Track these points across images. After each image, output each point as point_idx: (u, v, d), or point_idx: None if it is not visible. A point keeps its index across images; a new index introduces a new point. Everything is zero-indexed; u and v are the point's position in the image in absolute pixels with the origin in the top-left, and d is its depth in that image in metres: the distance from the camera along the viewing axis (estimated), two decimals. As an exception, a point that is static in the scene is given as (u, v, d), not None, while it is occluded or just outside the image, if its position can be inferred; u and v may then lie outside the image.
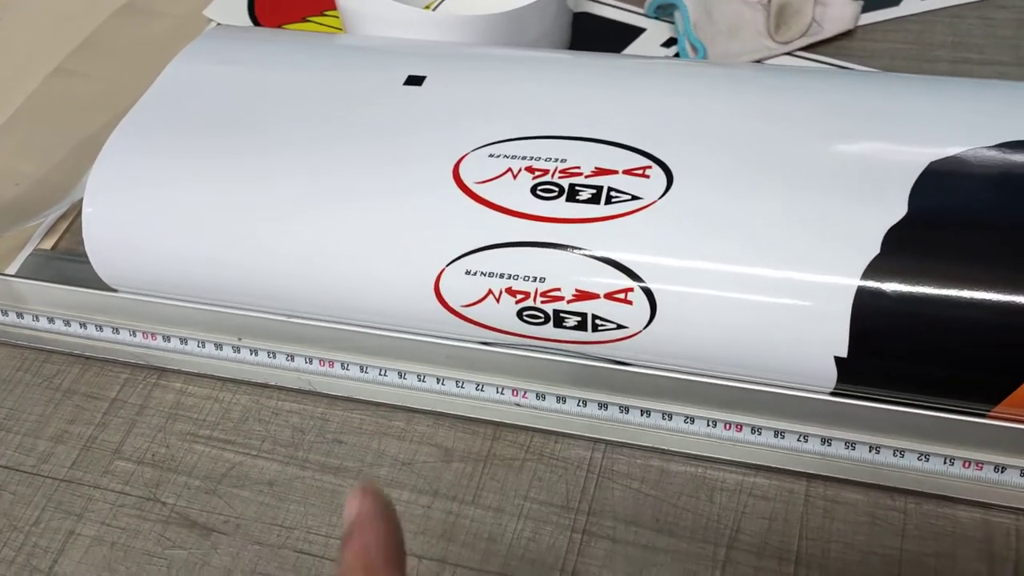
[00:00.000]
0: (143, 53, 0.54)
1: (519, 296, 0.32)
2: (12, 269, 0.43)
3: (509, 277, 0.32)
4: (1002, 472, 0.31)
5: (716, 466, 0.34)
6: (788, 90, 0.35)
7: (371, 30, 0.46)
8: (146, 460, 0.36)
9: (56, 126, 0.51)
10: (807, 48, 0.48)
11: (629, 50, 0.49)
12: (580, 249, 0.32)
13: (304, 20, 0.54)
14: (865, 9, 0.49)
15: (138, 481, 0.36)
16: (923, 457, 0.32)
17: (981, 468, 0.31)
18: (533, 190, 0.33)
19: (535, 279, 0.32)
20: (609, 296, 0.32)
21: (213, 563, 0.33)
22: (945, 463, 0.32)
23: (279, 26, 0.54)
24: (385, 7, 0.45)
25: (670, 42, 0.49)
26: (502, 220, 0.33)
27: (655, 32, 0.50)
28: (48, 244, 0.44)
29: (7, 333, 0.40)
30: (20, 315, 0.40)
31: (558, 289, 0.32)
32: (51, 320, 0.40)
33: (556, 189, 0.33)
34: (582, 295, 0.32)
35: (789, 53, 0.48)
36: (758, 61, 0.47)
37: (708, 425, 0.34)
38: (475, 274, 0.33)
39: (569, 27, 0.50)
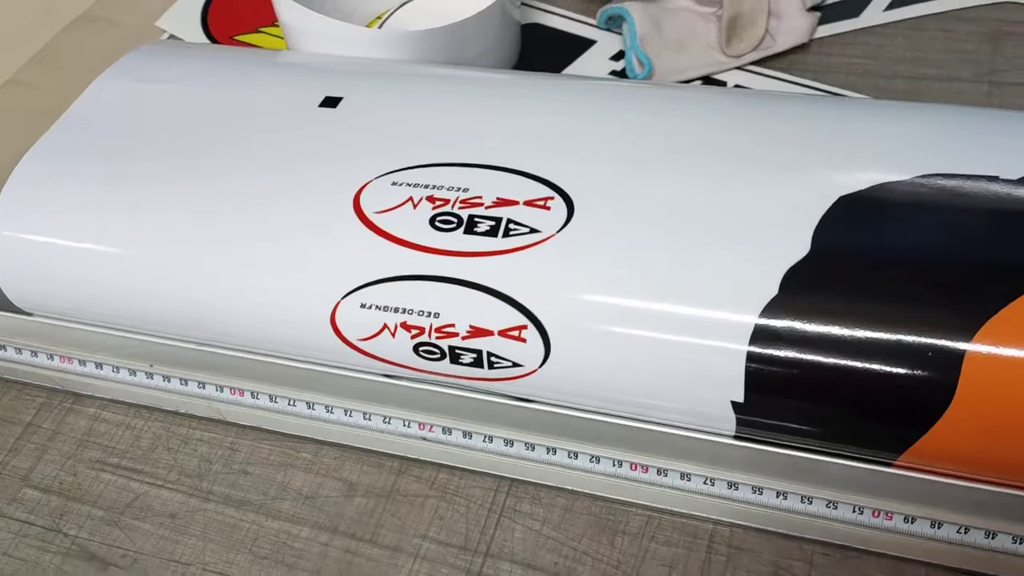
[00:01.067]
0: (98, 65, 0.54)
1: (414, 331, 0.31)
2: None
3: (404, 311, 0.31)
4: (912, 523, 0.30)
5: (620, 507, 0.33)
6: (703, 117, 0.34)
7: (312, 47, 0.45)
8: (53, 488, 0.36)
9: (7, 139, 0.51)
10: (759, 63, 0.46)
11: (578, 63, 0.48)
12: (474, 285, 0.31)
13: (256, 31, 0.54)
14: (824, 21, 0.47)
15: (43, 510, 0.35)
16: (831, 504, 0.30)
17: (891, 518, 0.30)
18: (432, 221, 0.32)
19: (430, 314, 0.31)
20: (503, 334, 0.31)
21: (107, 598, 0.33)
22: (854, 511, 0.30)
23: (231, 37, 0.54)
24: (325, 24, 0.44)
25: (620, 55, 0.48)
26: (398, 252, 0.32)
27: (605, 44, 0.48)
28: (-19, 262, 0.44)
29: (-72, 354, 0.40)
30: (-58, 336, 0.40)
31: (452, 325, 0.31)
32: (-29, 342, 0.39)
33: (455, 220, 0.32)
34: (476, 332, 0.31)
35: (740, 68, 0.46)
36: (707, 77, 0.46)
37: (614, 465, 0.32)
38: (370, 308, 0.32)
39: (517, 40, 0.48)
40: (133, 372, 0.37)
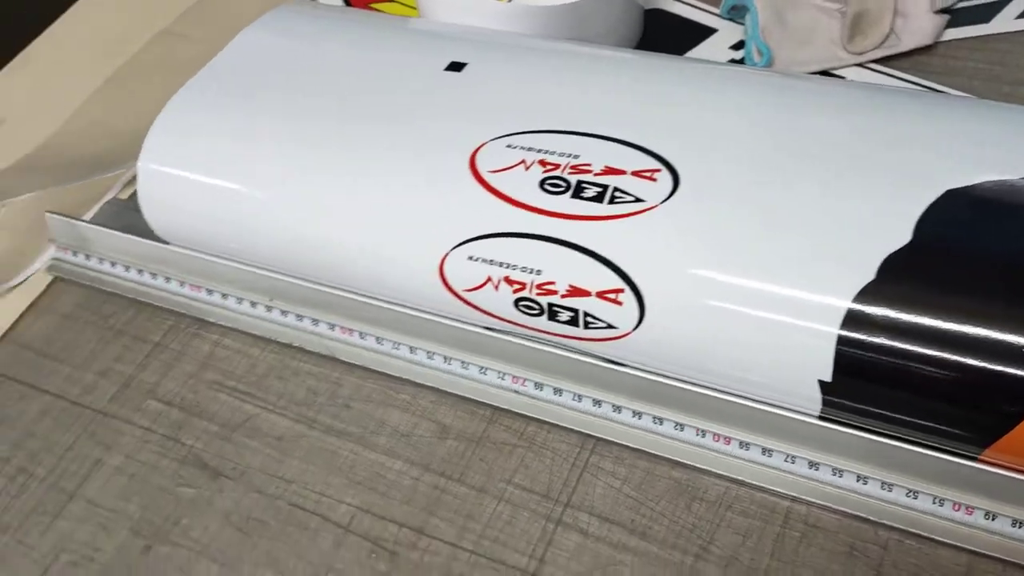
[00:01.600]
0: (246, 20, 0.57)
1: (516, 286, 0.33)
2: (90, 214, 0.47)
3: (508, 267, 0.33)
4: (993, 519, 0.30)
5: (700, 476, 0.34)
6: (817, 103, 0.34)
7: (442, 17, 0.47)
8: (175, 403, 0.39)
9: (155, 86, 0.55)
10: (880, 61, 0.46)
11: (697, 50, 0.49)
12: (577, 246, 0.32)
13: (391, 0, 0.56)
14: (952, 24, 0.47)
15: (164, 421, 0.39)
16: (912, 494, 0.31)
17: (971, 512, 0.30)
18: (541, 183, 0.34)
19: (532, 271, 0.33)
20: (600, 295, 0.32)
21: (215, 504, 0.36)
22: (934, 502, 0.31)
23: (367, 5, 0.56)
24: (455, -4, 0.46)
25: (740, 45, 0.48)
26: (507, 210, 0.33)
27: (727, 33, 0.49)
28: (125, 195, 0.48)
29: (74, 273, 0.44)
30: (88, 257, 0.44)
31: (552, 283, 0.33)
32: (113, 264, 0.43)
33: (564, 184, 0.33)
34: (575, 291, 0.32)
35: (861, 65, 0.46)
36: (826, 71, 0.46)
37: (697, 434, 0.33)
38: (477, 260, 0.34)
39: (639, 22, 0.49)
40: (254, 305, 0.40)
